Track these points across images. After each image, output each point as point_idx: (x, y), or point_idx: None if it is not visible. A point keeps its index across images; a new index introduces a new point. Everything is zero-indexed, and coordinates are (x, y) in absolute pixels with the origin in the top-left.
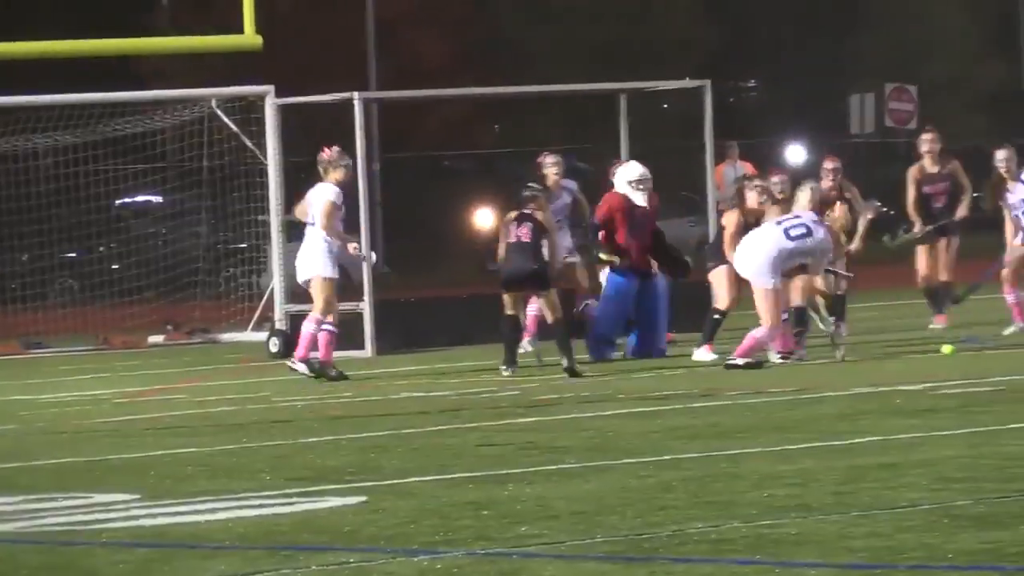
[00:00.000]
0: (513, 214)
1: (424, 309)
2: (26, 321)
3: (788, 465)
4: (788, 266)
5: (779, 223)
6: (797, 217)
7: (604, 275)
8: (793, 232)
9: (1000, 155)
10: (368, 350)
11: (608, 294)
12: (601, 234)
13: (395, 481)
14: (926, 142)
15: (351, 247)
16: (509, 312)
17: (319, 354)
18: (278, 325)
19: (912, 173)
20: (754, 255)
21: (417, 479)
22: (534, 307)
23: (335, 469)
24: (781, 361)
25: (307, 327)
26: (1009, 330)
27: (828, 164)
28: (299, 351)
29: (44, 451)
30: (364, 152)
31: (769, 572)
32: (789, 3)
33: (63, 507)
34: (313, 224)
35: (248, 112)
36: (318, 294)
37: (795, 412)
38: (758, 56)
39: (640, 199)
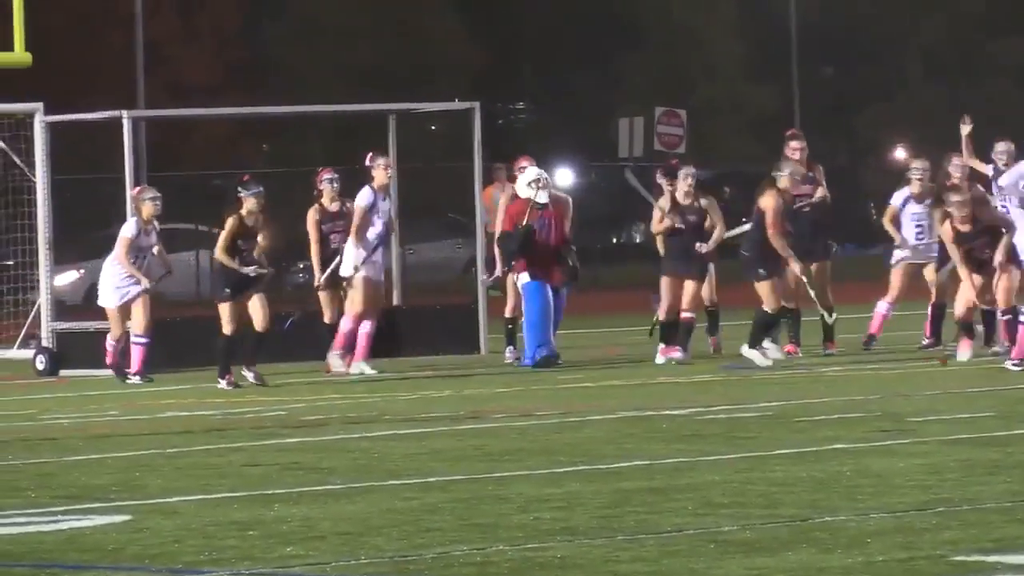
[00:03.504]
0: None
1: (191, 327)
2: None
3: (554, 488)
4: None
5: None
6: None
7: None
8: None
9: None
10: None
11: (535, 301)
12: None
13: (160, 500)
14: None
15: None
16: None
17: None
18: (44, 343)
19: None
20: None
21: (182, 499)
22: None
23: (100, 487)
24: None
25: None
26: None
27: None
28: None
29: None
30: (132, 170)
31: None
32: (558, 26)
33: None
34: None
35: (17, 129)
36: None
37: (561, 435)
38: (528, 78)
39: (542, 198)
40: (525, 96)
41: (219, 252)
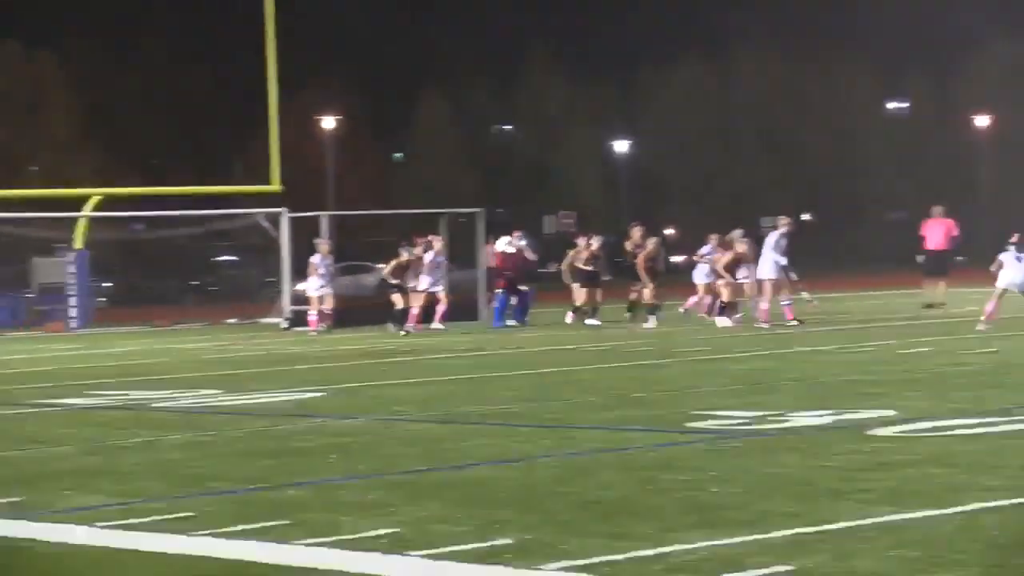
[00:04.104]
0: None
1: (365, 308)
2: (170, 313)
3: (512, 381)
4: None
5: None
6: None
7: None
8: None
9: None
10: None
11: (501, 299)
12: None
13: (341, 386)
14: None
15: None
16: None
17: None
18: (287, 315)
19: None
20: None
21: (348, 385)
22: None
23: (309, 380)
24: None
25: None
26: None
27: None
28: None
29: (175, 370)
30: (326, 236)
31: None
32: (515, 174)
33: (186, 396)
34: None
35: (277, 220)
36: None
37: (516, 356)
38: (503, 199)
39: (511, 250)
40: (502, 206)
41: (387, 274)
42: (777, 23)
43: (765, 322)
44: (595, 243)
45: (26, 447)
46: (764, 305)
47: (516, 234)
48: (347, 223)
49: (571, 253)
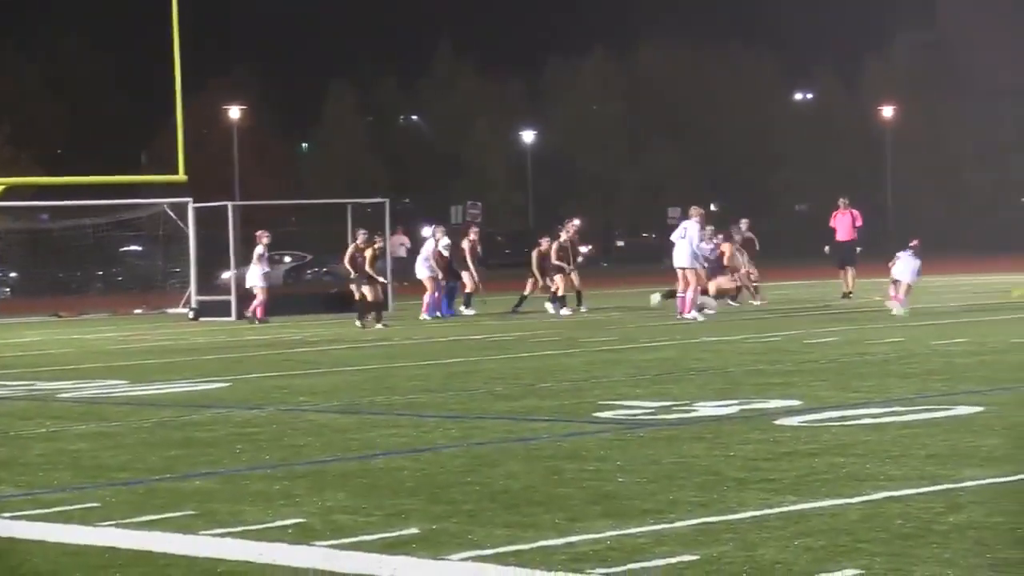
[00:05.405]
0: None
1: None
2: (77, 303)
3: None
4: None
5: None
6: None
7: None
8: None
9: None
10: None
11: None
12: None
13: (246, 376)
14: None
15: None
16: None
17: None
18: (193, 305)
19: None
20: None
21: (260, 375)
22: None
23: (213, 371)
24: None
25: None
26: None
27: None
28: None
29: (80, 360)
30: (233, 232)
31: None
32: (428, 164)
33: (92, 387)
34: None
35: (183, 210)
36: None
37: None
38: (410, 185)
39: (446, 251)
40: (409, 196)
41: (368, 267)
42: (684, 14)
43: (687, 312)
44: (564, 233)
45: None
46: (690, 295)
47: (439, 229)
48: (253, 214)
49: (544, 246)
